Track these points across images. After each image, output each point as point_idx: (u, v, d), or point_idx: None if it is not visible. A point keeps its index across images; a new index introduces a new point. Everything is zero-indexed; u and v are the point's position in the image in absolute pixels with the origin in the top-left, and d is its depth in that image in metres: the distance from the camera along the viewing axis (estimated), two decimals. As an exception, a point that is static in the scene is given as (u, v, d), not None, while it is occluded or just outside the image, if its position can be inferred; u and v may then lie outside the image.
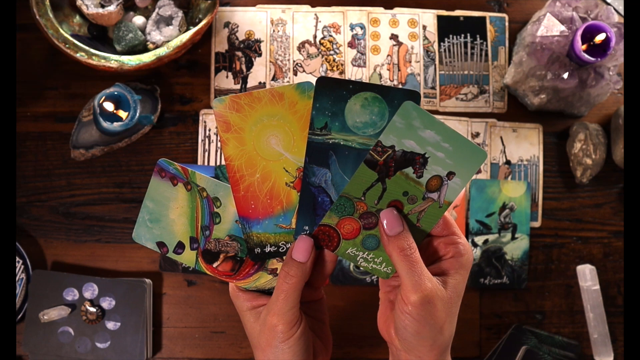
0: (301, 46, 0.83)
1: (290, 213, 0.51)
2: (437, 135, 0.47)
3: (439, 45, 0.84)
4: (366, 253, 0.51)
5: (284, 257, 0.52)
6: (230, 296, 0.54)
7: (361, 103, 0.49)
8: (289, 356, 0.50)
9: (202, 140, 0.82)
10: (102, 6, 0.78)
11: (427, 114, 0.46)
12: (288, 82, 0.82)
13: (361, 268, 0.52)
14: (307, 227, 0.51)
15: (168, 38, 0.78)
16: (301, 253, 0.50)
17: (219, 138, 0.50)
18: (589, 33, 0.74)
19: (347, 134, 0.49)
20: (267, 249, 0.52)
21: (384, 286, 0.54)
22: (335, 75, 0.83)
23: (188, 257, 0.52)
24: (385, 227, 0.49)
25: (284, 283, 0.50)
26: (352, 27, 0.84)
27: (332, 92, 0.48)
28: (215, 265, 0.52)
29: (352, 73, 0.83)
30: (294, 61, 0.83)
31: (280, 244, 0.52)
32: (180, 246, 0.52)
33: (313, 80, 0.83)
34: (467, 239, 0.81)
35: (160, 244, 0.52)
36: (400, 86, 0.83)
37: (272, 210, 0.51)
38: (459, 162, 0.48)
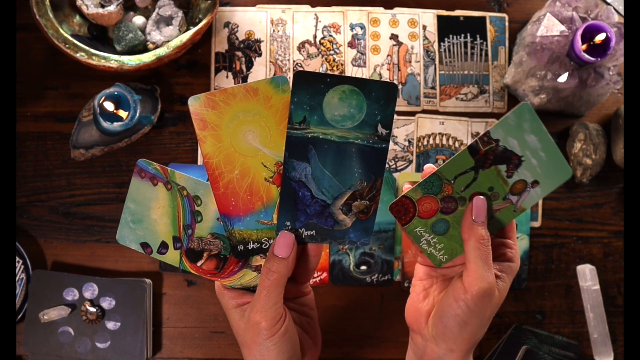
0: (301, 46, 0.83)
1: (271, 209, 0.51)
2: (539, 143, 0.48)
3: (439, 45, 0.84)
4: (432, 236, 0.52)
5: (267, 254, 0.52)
6: (216, 294, 0.54)
7: (339, 96, 0.49)
8: (274, 353, 0.50)
9: (202, 140, 0.81)
10: (102, 6, 0.78)
11: (538, 120, 0.48)
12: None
13: (420, 249, 0.52)
14: (288, 223, 0.51)
15: (168, 38, 0.78)
16: (282, 248, 0.50)
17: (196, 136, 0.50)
18: (589, 33, 0.74)
19: (325, 127, 0.49)
20: (250, 246, 0.52)
21: (421, 274, 0.54)
22: (335, 75, 0.83)
23: (172, 257, 0.52)
24: (473, 212, 0.49)
25: (265, 279, 0.50)
26: (352, 27, 0.84)
27: (309, 85, 0.48)
28: (199, 264, 0.52)
29: (352, 73, 0.83)
30: (294, 61, 0.83)
31: (263, 241, 0.52)
32: (163, 246, 0.52)
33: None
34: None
35: (144, 245, 0.52)
36: (400, 87, 0.83)
37: (252, 207, 0.51)
38: (547, 173, 0.49)
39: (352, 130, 0.49)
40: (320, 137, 0.49)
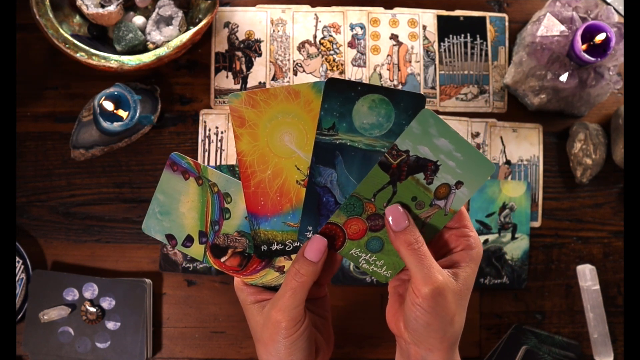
0: (301, 46, 0.83)
1: (299, 211, 0.51)
2: (451, 145, 0.48)
3: (439, 45, 0.84)
4: (369, 255, 0.52)
5: (291, 256, 0.52)
6: (234, 289, 0.54)
7: (368, 105, 0.49)
8: (290, 351, 0.50)
9: (202, 140, 0.82)
10: (102, 6, 0.78)
11: (443, 122, 0.47)
12: (288, 82, 0.82)
13: (361, 270, 0.53)
14: (310, 227, 0.51)
15: (168, 38, 0.78)
16: (314, 253, 0.50)
17: (232, 133, 0.50)
18: (589, 33, 0.74)
19: (354, 134, 0.50)
20: (274, 247, 0.52)
21: (393, 280, 0.54)
22: (336, 75, 0.83)
23: (196, 251, 0.53)
24: (391, 222, 0.49)
25: (293, 280, 0.50)
26: (352, 27, 0.84)
27: (340, 93, 0.49)
28: (223, 259, 0.53)
29: (352, 73, 0.83)
30: (294, 61, 0.83)
31: (287, 242, 0.52)
32: (189, 239, 0.52)
33: (312, 79, 0.83)
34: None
35: (169, 237, 0.52)
36: (400, 87, 0.83)
37: (281, 208, 0.51)
38: (468, 172, 0.49)
39: (379, 138, 0.49)
40: (348, 144, 0.50)
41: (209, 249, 0.53)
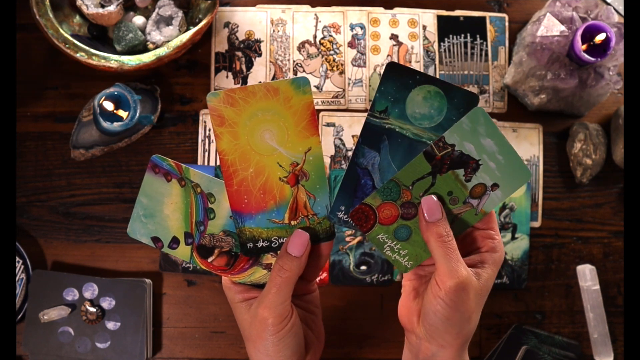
0: (301, 46, 0.83)
1: (283, 208, 0.51)
2: (495, 146, 0.48)
3: (439, 45, 0.84)
4: (395, 242, 0.52)
5: (277, 252, 0.52)
6: (222, 287, 0.54)
7: (423, 95, 0.49)
8: (279, 348, 0.50)
9: (202, 140, 0.82)
10: (102, 6, 0.78)
11: (493, 123, 0.48)
12: (288, 82, 0.82)
13: (383, 256, 0.53)
14: (343, 207, 0.51)
15: (168, 38, 0.78)
16: (296, 247, 0.50)
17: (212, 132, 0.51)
18: (589, 33, 0.74)
19: (404, 122, 0.50)
20: (260, 244, 0.52)
21: (410, 274, 0.55)
22: (335, 75, 0.83)
23: (183, 252, 0.52)
24: (425, 213, 0.49)
25: (277, 276, 0.50)
26: (352, 27, 0.84)
27: (398, 78, 0.49)
28: (210, 260, 0.53)
29: (352, 73, 0.83)
30: (294, 61, 0.83)
31: (272, 239, 0.52)
32: (175, 241, 0.52)
33: (313, 79, 0.83)
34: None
35: (155, 239, 0.52)
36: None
37: (265, 205, 0.51)
38: (506, 176, 0.49)
39: (428, 130, 0.50)
40: (397, 130, 0.50)
41: (196, 249, 0.53)
